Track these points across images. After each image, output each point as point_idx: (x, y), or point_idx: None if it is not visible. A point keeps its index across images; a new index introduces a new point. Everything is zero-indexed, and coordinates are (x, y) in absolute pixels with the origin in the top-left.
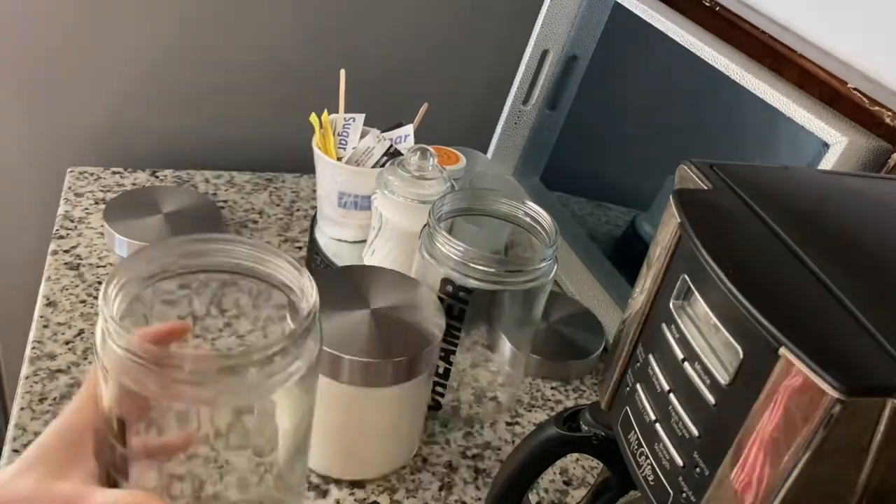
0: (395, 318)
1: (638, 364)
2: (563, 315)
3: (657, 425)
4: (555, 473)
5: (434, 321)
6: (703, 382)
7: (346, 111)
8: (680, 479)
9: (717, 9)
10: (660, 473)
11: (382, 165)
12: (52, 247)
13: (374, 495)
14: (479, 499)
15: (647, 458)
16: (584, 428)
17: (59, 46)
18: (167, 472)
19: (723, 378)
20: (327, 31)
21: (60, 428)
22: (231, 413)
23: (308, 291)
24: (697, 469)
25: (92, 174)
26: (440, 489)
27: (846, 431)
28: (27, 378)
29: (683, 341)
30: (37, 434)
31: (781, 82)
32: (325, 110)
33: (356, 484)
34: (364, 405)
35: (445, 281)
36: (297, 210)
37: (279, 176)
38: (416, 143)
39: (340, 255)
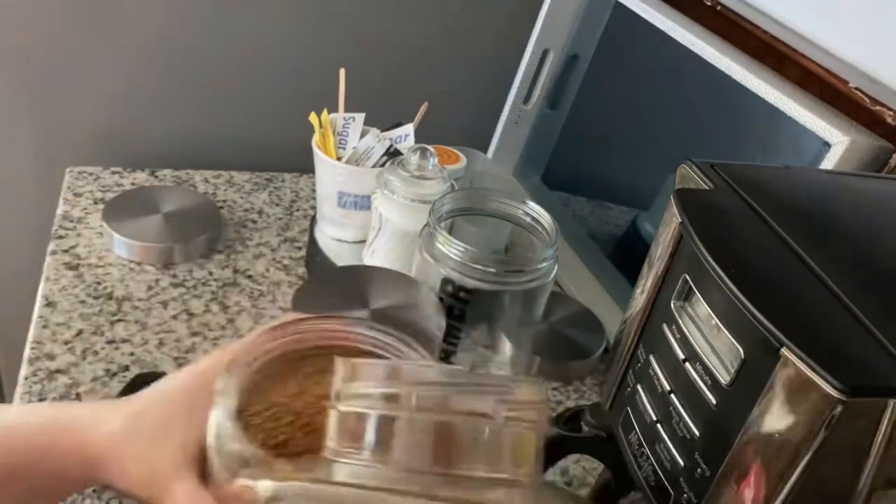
0: (394, 318)
1: (639, 364)
2: (564, 315)
3: (658, 426)
4: (555, 474)
5: (434, 321)
6: (704, 383)
7: (346, 111)
8: (681, 479)
9: (718, 8)
10: (661, 474)
11: (382, 165)
12: (51, 247)
13: None
14: None
15: (647, 458)
16: (585, 428)
17: (58, 46)
18: None
19: (724, 378)
20: (327, 31)
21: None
22: None
23: None
24: (698, 469)
25: (91, 174)
26: None
27: (847, 432)
28: (26, 378)
29: (684, 341)
30: None
31: (782, 81)
32: (325, 110)
33: None
34: None
35: (445, 281)
36: (297, 210)
37: (279, 175)
38: (416, 142)
39: (340, 255)
